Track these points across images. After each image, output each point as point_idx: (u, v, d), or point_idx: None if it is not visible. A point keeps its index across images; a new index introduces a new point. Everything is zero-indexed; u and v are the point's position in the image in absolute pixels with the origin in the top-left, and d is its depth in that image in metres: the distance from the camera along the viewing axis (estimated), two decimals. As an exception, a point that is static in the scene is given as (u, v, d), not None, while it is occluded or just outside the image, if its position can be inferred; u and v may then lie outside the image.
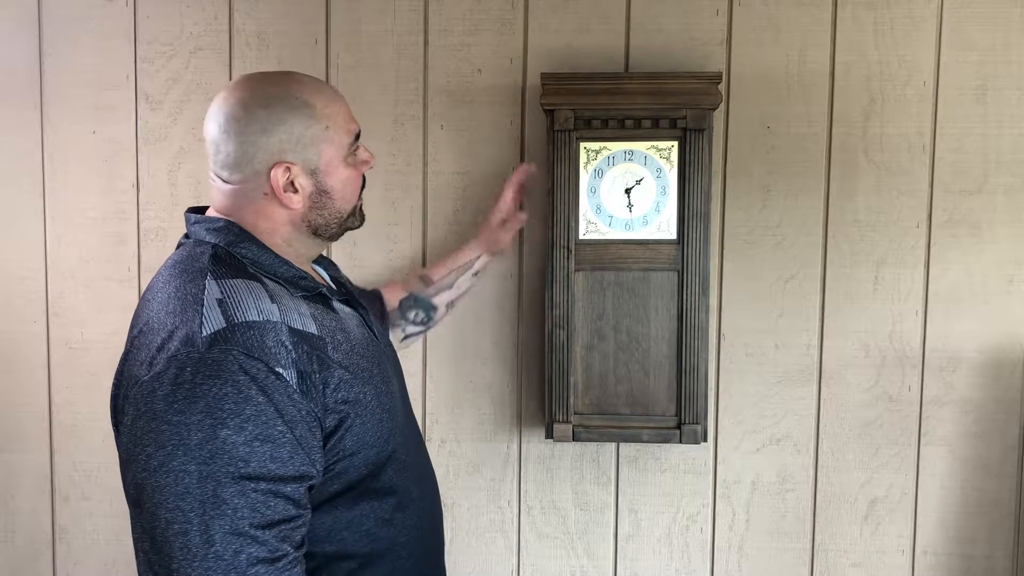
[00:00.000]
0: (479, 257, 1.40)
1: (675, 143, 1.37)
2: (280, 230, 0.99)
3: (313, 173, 0.97)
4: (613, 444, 1.53)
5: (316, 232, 1.01)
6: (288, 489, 0.85)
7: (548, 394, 1.39)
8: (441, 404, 1.55)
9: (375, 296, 1.35)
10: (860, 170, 1.47)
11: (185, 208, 1.54)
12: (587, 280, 1.39)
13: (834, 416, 1.50)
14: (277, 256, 0.98)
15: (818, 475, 1.52)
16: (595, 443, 1.52)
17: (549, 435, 1.39)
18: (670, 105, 1.34)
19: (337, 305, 1.03)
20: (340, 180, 1.00)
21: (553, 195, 1.37)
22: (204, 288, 0.89)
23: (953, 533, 1.51)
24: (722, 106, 1.46)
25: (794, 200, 1.48)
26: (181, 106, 1.54)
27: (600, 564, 1.55)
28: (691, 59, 1.48)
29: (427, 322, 1.39)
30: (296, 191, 0.97)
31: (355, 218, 1.05)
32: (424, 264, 1.53)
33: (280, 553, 0.84)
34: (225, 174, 0.97)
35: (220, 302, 0.88)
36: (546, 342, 1.39)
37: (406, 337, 1.38)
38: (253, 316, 0.87)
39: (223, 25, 1.53)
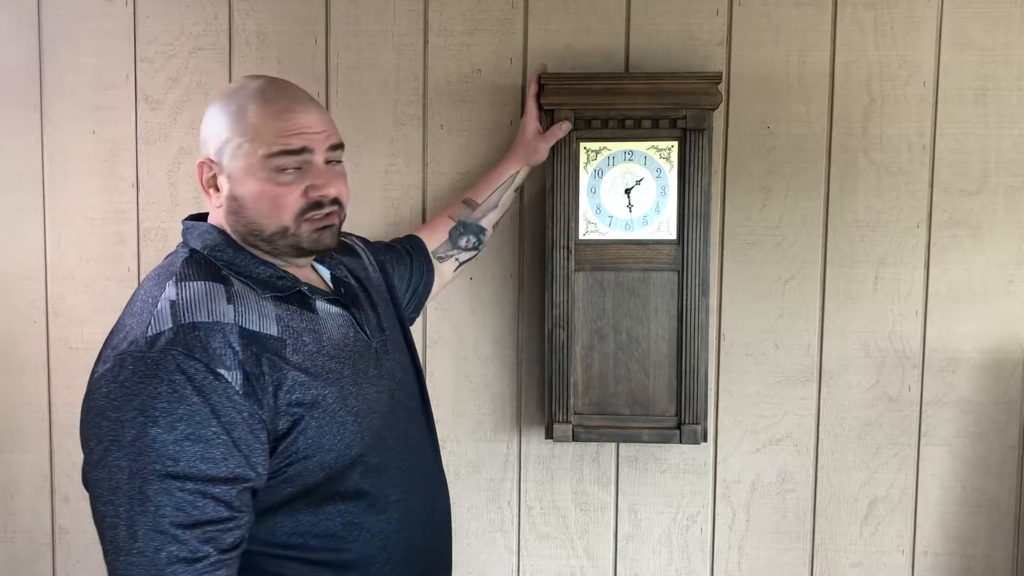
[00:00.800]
0: (519, 171, 1.39)
1: (675, 143, 1.37)
2: (229, 229, 1.01)
3: (229, 177, 0.97)
4: (613, 444, 1.53)
5: (247, 241, 0.99)
6: (218, 491, 0.86)
7: (548, 394, 1.39)
8: (441, 404, 1.54)
9: (405, 250, 1.33)
10: (860, 170, 1.47)
11: (184, 207, 1.55)
12: (587, 280, 1.39)
13: (834, 416, 1.50)
14: (254, 257, 0.98)
15: (818, 475, 1.52)
16: (595, 443, 1.52)
17: (549, 435, 1.39)
18: (670, 105, 1.34)
19: (321, 305, 1.02)
20: (250, 192, 0.96)
21: (553, 195, 1.37)
22: (163, 290, 0.92)
23: (953, 533, 1.51)
24: (722, 106, 1.46)
25: (794, 200, 1.48)
26: (181, 106, 1.54)
27: (600, 564, 1.55)
28: (691, 59, 1.48)
29: (478, 246, 1.40)
30: (218, 189, 0.98)
31: (297, 238, 0.98)
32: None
33: (201, 554, 0.84)
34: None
35: (172, 304, 0.90)
36: (546, 342, 1.39)
37: (460, 265, 1.40)
38: (202, 317, 0.89)
39: (223, 25, 1.53)
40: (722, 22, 1.47)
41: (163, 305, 0.89)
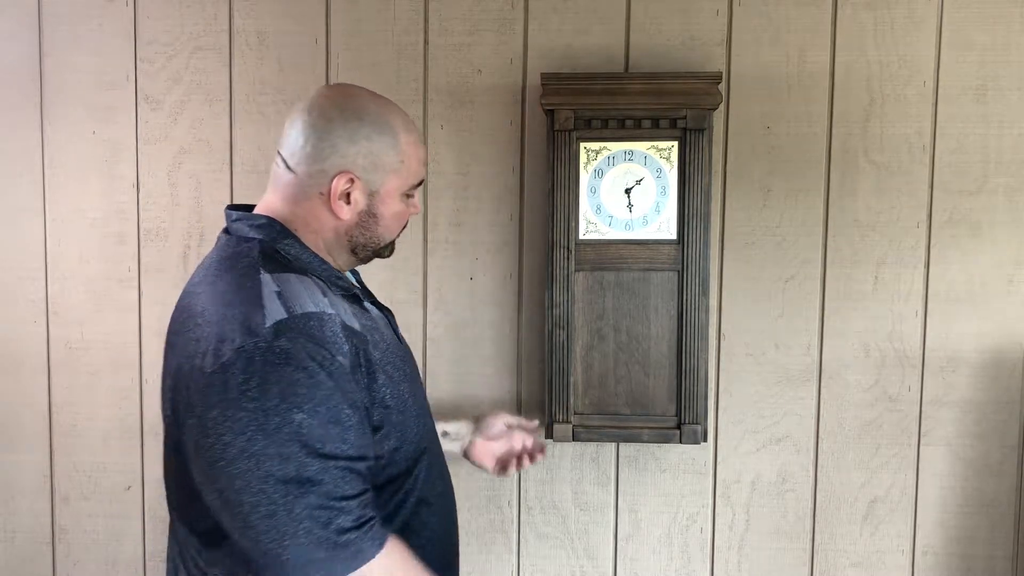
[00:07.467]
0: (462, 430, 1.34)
1: (675, 143, 1.37)
2: (324, 234, 1.01)
3: (372, 195, 1.00)
4: (613, 444, 1.53)
5: (353, 249, 1.03)
6: (360, 467, 0.89)
7: (548, 394, 1.39)
8: (441, 404, 1.54)
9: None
10: (860, 170, 1.47)
11: (185, 207, 1.55)
12: (587, 280, 1.39)
13: (834, 416, 1.50)
14: (316, 255, 1.00)
15: (818, 475, 1.52)
16: (595, 443, 1.52)
17: (549, 435, 1.39)
18: (670, 105, 1.34)
19: (368, 306, 1.06)
20: (391, 211, 1.02)
21: (553, 195, 1.37)
22: (260, 282, 0.91)
23: (953, 533, 1.51)
24: (722, 106, 1.46)
25: (794, 200, 1.48)
26: (181, 106, 1.54)
27: (600, 564, 1.55)
28: (691, 59, 1.48)
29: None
30: (349, 203, 0.99)
31: (388, 249, 1.08)
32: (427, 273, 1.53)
33: (365, 518, 0.87)
34: (293, 162, 0.98)
35: (278, 294, 0.90)
36: (546, 342, 1.39)
37: None
38: (311, 307, 0.90)
39: (223, 25, 1.53)
40: (722, 22, 1.47)
41: (268, 295, 0.89)
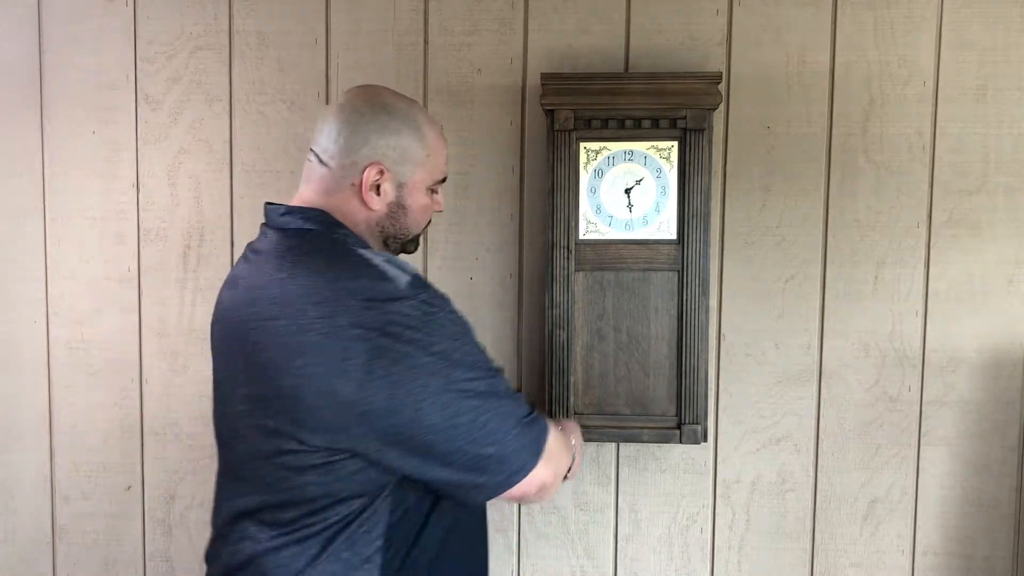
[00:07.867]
0: None
1: (675, 143, 1.37)
2: (357, 227, 1.05)
3: (400, 187, 1.06)
4: (613, 444, 1.53)
5: (384, 240, 1.09)
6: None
7: (548, 394, 1.39)
8: (441, 404, 1.54)
9: None
10: (860, 170, 1.47)
11: (184, 207, 1.55)
12: (587, 280, 1.39)
13: (834, 416, 1.50)
14: (365, 244, 1.04)
15: (818, 475, 1.52)
16: (595, 443, 1.52)
17: (549, 435, 1.38)
18: (670, 105, 1.34)
19: None
20: (417, 203, 1.08)
21: (553, 195, 1.37)
22: (363, 256, 0.98)
23: (953, 533, 1.51)
24: (722, 106, 1.46)
25: (794, 200, 1.48)
26: (181, 106, 1.54)
27: (600, 564, 1.55)
28: (691, 59, 1.48)
29: None
30: (379, 195, 1.04)
31: (414, 243, 1.14)
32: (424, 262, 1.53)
33: (531, 405, 1.02)
34: (326, 156, 1.03)
35: (388, 261, 0.98)
36: (546, 342, 1.39)
37: None
38: (413, 269, 0.98)
39: (223, 25, 1.53)
40: (722, 22, 1.47)
41: (381, 264, 0.96)
